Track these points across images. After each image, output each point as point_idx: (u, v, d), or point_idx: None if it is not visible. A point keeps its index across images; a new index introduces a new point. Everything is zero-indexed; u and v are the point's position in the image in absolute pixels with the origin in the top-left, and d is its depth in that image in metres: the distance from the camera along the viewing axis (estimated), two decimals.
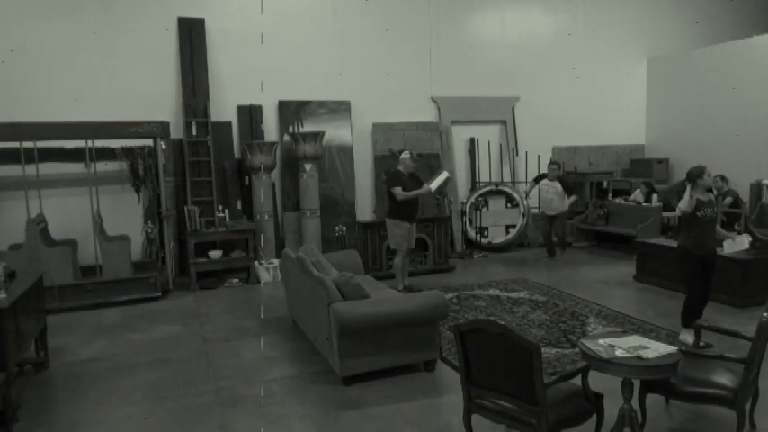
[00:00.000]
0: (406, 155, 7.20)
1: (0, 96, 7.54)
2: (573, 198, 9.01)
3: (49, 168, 7.39)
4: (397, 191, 6.92)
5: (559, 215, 9.04)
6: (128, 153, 7.73)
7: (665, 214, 5.78)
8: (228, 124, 8.74)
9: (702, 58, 10.42)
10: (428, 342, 4.71)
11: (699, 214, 5.08)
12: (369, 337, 4.48)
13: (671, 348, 3.21)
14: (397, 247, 7.14)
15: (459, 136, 10.20)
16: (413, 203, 7.08)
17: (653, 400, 3.70)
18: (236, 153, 8.78)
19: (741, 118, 9.59)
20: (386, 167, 8.68)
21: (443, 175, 7.39)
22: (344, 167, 9.33)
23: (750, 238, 6.15)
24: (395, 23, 9.62)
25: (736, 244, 6.07)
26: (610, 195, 10.32)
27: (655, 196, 9.44)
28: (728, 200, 8.28)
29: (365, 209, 9.56)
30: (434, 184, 7.22)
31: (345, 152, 9.34)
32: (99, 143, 7.32)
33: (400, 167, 7.14)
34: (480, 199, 9.96)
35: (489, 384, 3.20)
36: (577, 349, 3.83)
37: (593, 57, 10.92)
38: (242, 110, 8.81)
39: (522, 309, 6.45)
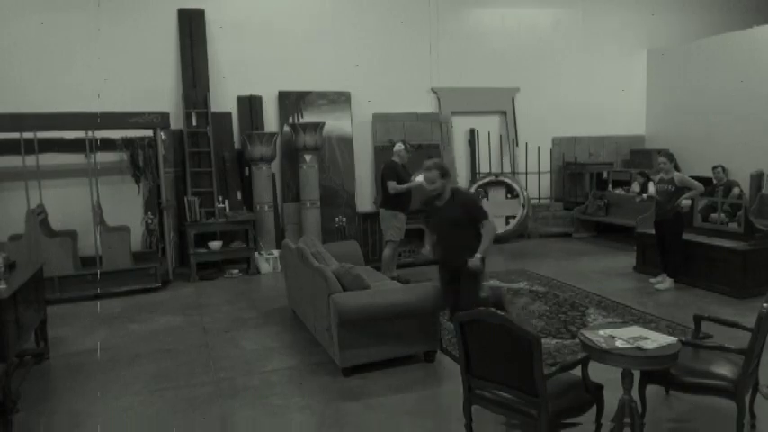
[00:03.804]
0: (399, 146, 7.16)
1: (1, 87, 7.51)
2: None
3: (50, 159, 7.38)
4: (391, 184, 6.87)
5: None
6: (128, 144, 7.71)
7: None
8: (228, 115, 8.71)
9: (702, 49, 10.37)
10: (428, 333, 4.72)
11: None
12: (369, 327, 4.48)
13: (671, 339, 3.20)
14: (392, 238, 7.05)
15: (460, 127, 10.18)
16: (409, 194, 7.05)
17: (653, 390, 3.71)
18: (236, 144, 8.76)
19: (741, 109, 9.55)
20: (386, 158, 8.64)
21: None
22: (344, 158, 9.31)
23: None
24: (395, 14, 9.57)
25: None
26: (610, 186, 10.31)
27: (650, 185, 9.41)
28: (736, 190, 8.27)
29: (365, 200, 9.55)
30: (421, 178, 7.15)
31: (345, 143, 9.31)
32: (99, 134, 7.29)
33: (395, 158, 7.10)
34: (480, 189, 9.94)
35: (489, 375, 3.20)
36: (577, 340, 3.83)
37: (593, 47, 10.85)
38: (242, 100, 8.77)
39: (522, 299, 6.45)
